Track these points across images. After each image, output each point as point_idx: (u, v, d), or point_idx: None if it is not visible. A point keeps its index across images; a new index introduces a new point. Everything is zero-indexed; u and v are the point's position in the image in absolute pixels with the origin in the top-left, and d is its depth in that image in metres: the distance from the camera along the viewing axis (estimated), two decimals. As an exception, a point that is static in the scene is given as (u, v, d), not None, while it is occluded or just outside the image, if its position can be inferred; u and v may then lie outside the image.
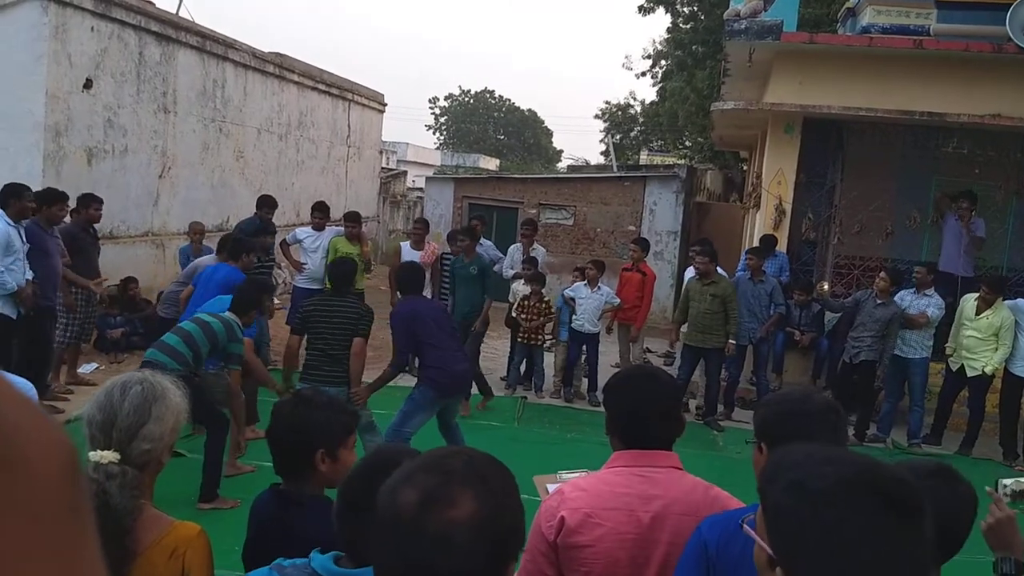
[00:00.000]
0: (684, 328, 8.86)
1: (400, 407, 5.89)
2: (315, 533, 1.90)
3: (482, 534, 1.13)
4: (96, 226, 8.66)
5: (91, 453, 1.93)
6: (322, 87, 16.27)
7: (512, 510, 1.19)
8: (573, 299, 9.29)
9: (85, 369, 8.56)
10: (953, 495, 1.95)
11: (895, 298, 8.49)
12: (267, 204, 9.40)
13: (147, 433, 2.01)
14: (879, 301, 8.37)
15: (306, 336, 5.93)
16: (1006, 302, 8.30)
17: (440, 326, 5.95)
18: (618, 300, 9.42)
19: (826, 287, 9.54)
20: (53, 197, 7.20)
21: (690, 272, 9.55)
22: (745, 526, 1.28)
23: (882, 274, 8.58)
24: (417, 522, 1.12)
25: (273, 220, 9.54)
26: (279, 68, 14.54)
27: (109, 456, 1.92)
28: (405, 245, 9.72)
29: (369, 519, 1.22)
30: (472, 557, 1.12)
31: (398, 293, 6.83)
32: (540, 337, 9.39)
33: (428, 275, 9.52)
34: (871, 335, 8.35)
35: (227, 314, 5.75)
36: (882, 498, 1.09)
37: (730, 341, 8.52)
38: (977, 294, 8.33)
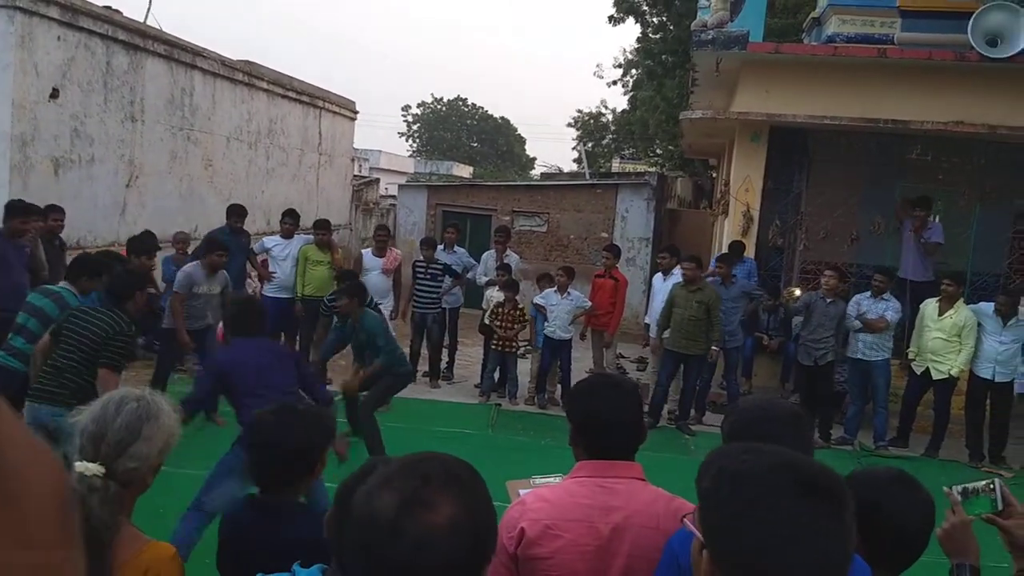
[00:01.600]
0: (666, 333, 8.88)
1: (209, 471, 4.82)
2: (301, 541, 1.91)
3: (461, 536, 1.14)
4: (62, 236, 8.58)
5: (78, 463, 1.91)
6: (292, 95, 16.20)
7: (487, 511, 1.21)
8: (544, 306, 9.33)
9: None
10: (913, 502, 1.99)
11: (852, 302, 8.62)
12: (236, 213, 9.36)
13: (135, 452, 2.00)
14: (829, 300, 8.51)
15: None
16: (970, 306, 8.46)
17: (265, 375, 4.70)
18: (589, 303, 9.48)
19: (797, 292, 9.65)
20: (17, 210, 7.13)
21: (658, 277, 9.63)
22: (685, 520, 1.32)
23: (828, 272, 8.71)
24: (396, 526, 1.13)
25: (244, 228, 9.50)
26: (248, 76, 14.46)
27: (94, 469, 1.91)
28: (367, 252, 9.71)
29: None
30: (453, 559, 1.13)
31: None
32: (514, 344, 9.42)
33: (390, 283, 9.55)
34: (831, 335, 8.49)
35: (57, 287, 5.57)
36: (799, 481, 1.13)
37: (713, 348, 8.58)
38: (937, 298, 8.47)
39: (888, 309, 8.50)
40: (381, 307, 9.26)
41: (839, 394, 9.13)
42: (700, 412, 9.13)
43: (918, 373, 8.54)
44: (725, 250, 9.99)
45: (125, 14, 11.31)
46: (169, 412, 2.13)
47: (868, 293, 8.68)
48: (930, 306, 8.50)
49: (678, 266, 9.09)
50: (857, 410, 8.69)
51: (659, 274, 9.66)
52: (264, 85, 15.02)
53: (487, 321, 9.45)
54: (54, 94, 9.73)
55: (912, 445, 8.63)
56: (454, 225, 11.04)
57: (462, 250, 10.47)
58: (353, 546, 1.18)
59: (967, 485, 2.14)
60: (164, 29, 12.39)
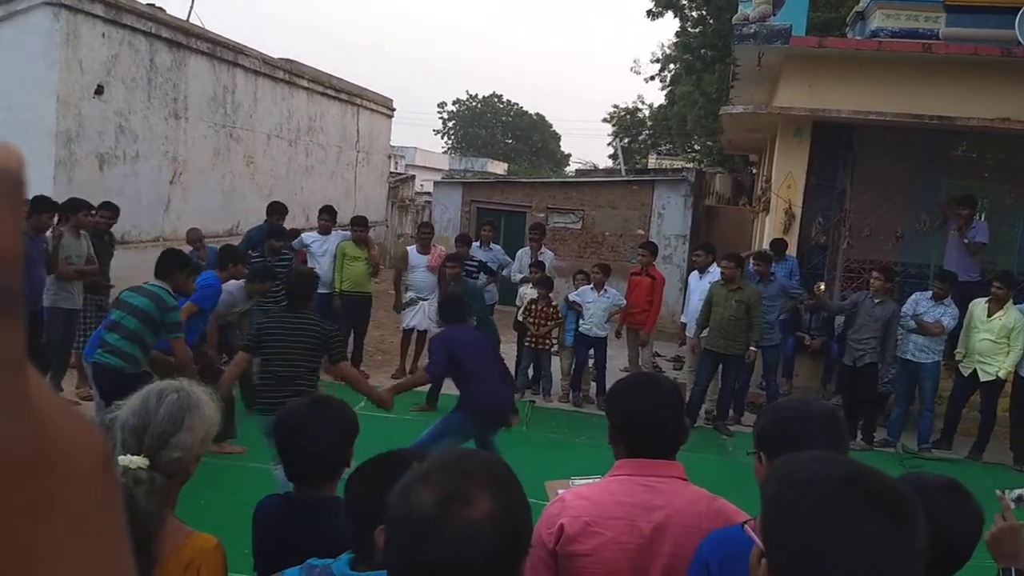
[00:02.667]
0: (704, 332, 8.80)
1: (433, 425, 5.77)
2: (336, 536, 1.92)
3: (499, 532, 1.14)
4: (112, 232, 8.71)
5: (121, 457, 1.93)
6: (331, 92, 16.33)
7: (523, 508, 1.22)
8: (579, 303, 9.30)
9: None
10: (962, 512, 1.95)
11: (910, 301, 8.47)
12: (277, 211, 9.43)
13: (178, 442, 2.02)
14: (877, 301, 8.35)
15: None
16: (1018, 306, 8.27)
17: (484, 355, 5.84)
18: (624, 301, 9.44)
19: (822, 287, 9.50)
20: (43, 206, 7.22)
21: (694, 275, 9.55)
22: (746, 527, 1.30)
23: (875, 273, 8.56)
24: (437, 522, 1.13)
25: (284, 225, 9.58)
26: (289, 74, 14.60)
27: (138, 462, 1.93)
28: (412, 249, 9.76)
29: (378, 519, 1.24)
30: (491, 555, 1.14)
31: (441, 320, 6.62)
32: (548, 341, 9.39)
33: (435, 280, 9.58)
34: (873, 336, 8.33)
35: (150, 285, 5.56)
36: (865, 493, 1.11)
37: (751, 348, 8.48)
38: (986, 298, 8.29)
39: (946, 315, 8.30)
40: (426, 303, 9.32)
41: (882, 396, 8.97)
42: (739, 412, 9.03)
43: (965, 375, 8.38)
44: (766, 248, 9.87)
45: (168, 12, 11.48)
46: (208, 402, 2.15)
47: (928, 293, 8.50)
48: (979, 307, 8.32)
49: (714, 264, 9.01)
50: (901, 412, 8.53)
51: (695, 272, 9.57)
52: (304, 83, 15.16)
53: (520, 318, 9.44)
54: (99, 91, 9.89)
55: (956, 447, 8.47)
56: (489, 222, 11.04)
57: (498, 247, 10.48)
58: (391, 542, 1.19)
59: (1022, 492, 2.09)
60: (206, 27, 12.55)
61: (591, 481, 2.54)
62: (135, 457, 1.94)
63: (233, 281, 7.08)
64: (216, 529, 2.21)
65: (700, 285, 9.13)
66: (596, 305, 9.24)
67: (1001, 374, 8.11)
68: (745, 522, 1.34)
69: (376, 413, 5.82)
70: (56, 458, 0.34)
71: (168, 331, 5.47)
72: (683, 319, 9.93)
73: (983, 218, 9.59)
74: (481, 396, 5.64)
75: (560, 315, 9.36)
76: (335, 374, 5.42)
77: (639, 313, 9.51)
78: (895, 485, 1.15)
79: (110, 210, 8.47)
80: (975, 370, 8.27)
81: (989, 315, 8.19)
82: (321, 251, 9.49)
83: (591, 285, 9.39)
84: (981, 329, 8.21)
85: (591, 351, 9.34)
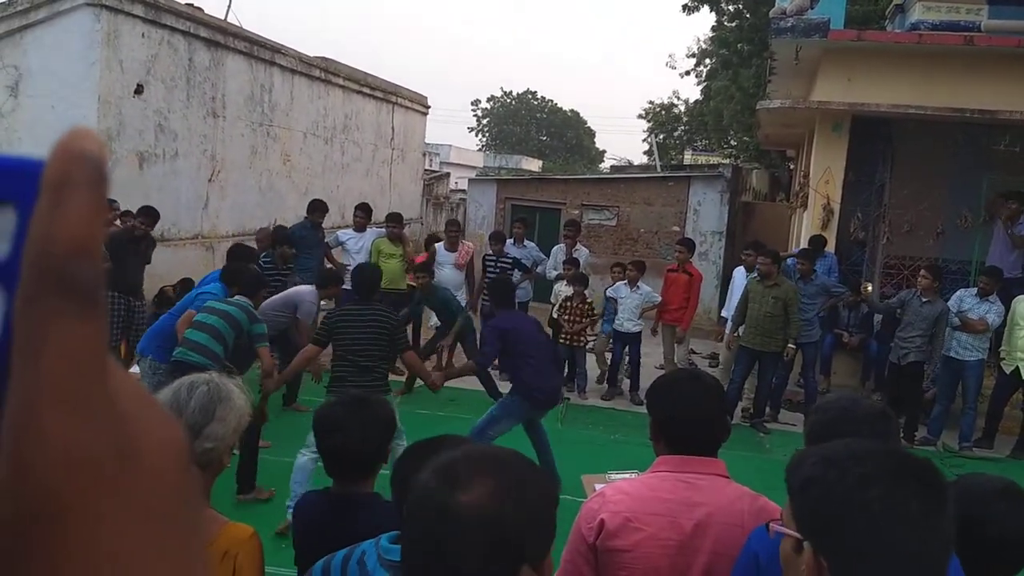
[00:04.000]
0: (741, 329, 8.73)
1: (489, 410, 6.08)
2: (377, 531, 1.93)
3: (490, 523, 1.13)
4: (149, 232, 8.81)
5: None
6: (366, 90, 16.43)
7: (534, 506, 1.18)
8: (614, 299, 9.31)
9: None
10: (1018, 516, 1.91)
11: (955, 298, 8.33)
12: (318, 209, 9.49)
13: (210, 432, 2.06)
14: (925, 299, 8.21)
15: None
16: None
17: (535, 340, 6.07)
18: (658, 298, 9.44)
19: (870, 288, 9.38)
20: None
21: (740, 271, 9.47)
22: (772, 525, 1.28)
23: (923, 272, 8.41)
24: (427, 500, 1.16)
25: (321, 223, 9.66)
26: (325, 72, 14.72)
27: None
28: (439, 246, 9.76)
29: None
30: (474, 546, 1.12)
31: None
32: (582, 338, 9.38)
33: (463, 277, 9.59)
34: (919, 335, 8.19)
35: (238, 299, 5.77)
36: (905, 467, 1.13)
37: (789, 345, 8.39)
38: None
39: (991, 312, 8.15)
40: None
41: (923, 392, 8.84)
42: (775, 410, 8.94)
43: (1007, 372, 8.22)
44: (803, 244, 9.76)
45: (206, 12, 11.62)
46: (239, 393, 2.18)
47: (973, 290, 8.35)
48: (1022, 304, 8.16)
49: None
50: (942, 410, 8.39)
51: (741, 268, 9.50)
52: (340, 81, 15.26)
53: (555, 315, 9.43)
54: (138, 90, 10.05)
55: (997, 446, 8.31)
56: (521, 219, 11.03)
57: (532, 244, 10.47)
58: (405, 520, 1.22)
59: None
60: (244, 26, 12.69)
61: (628, 476, 2.53)
62: None
63: (307, 288, 7.26)
64: (251, 522, 2.24)
65: (745, 282, 9.07)
66: (630, 301, 9.23)
67: (1045, 372, 7.95)
68: (770, 522, 1.32)
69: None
70: (136, 457, 0.33)
71: (255, 340, 5.70)
72: (724, 313, 9.87)
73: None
74: (533, 380, 5.85)
75: (594, 312, 9.35)
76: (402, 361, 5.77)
77: (676, 310, 9.46)
78: (930, 463, 1.17)
79: (149, 216, 8.53)
80: (1017, 368, 8.11)
81: (1030, 312, 8.03)
82: (356, 248, 9.56)
83: (625, 280, 9.37)
84: (1023, 325, 8.05)
85: (626, 348, 9.33)
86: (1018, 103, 9.05)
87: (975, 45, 9.08)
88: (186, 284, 9.95)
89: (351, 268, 9.45)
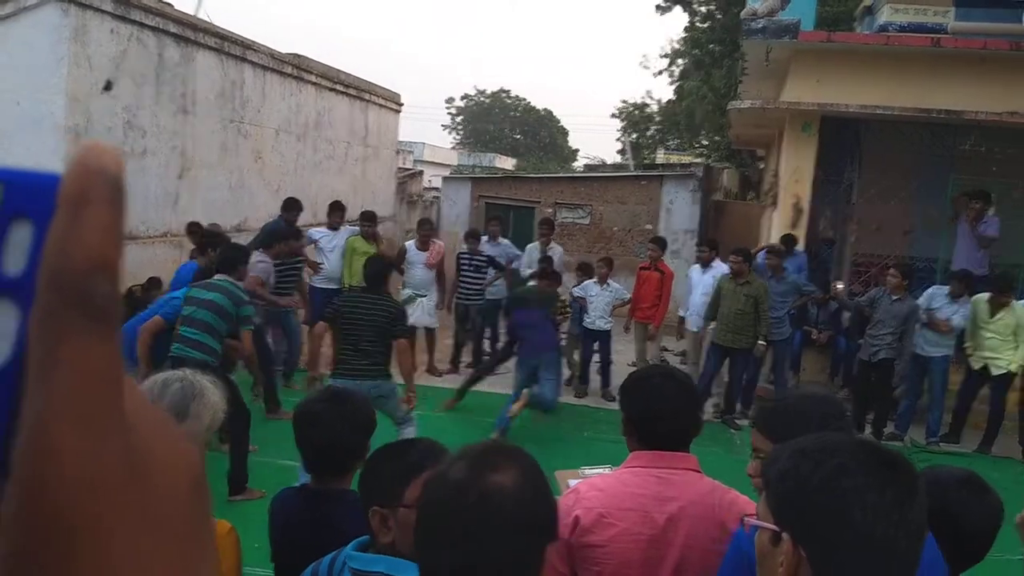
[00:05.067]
0: (712, 326, 8.82)
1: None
2: (354, 529, 1.94)
3: (523, 501, 1.18)
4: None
5: None
6: (340, 88, 16.34)
7: (548, 494, 1.27)
8: (583, 298, 9.34)
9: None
10: (980, 505, 1.95)
11: (926, 295, 8.46)
12: (293, 207, 9.43)
13: (185, 430, 2.05)
14: (895, 298, 8.33)
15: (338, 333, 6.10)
16: (1021, 302, 8.25)
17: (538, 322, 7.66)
18: (628, 295, 9.50)
19: (839, 286, 9.50)
20: None
21: (695, 269, 9.56)
22: (746, 519, 1.31)
23: (892, 271, 8.53)
24: (464, 485, 1.19)
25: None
26: (297, 69, 14.62)
27: None
28: (410, 245, 9.71)
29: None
30: (513, 526, 1.17)
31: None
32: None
33: (434, 276, 9.55)
34: (889, 332, 8.31)
35: (219, 280, 5.74)
36: (877, 458, 1.15)
37: (760, 342, 8.48)
38: (988, 296, 8.28)
39: (958, 314, 8.28)
40: (424, 300, 9.33)
41: (892, 388, 8.97)
42: (746, 406, 9.03)
43: (975, 369, 8.36)
44: (776, 243, 9.86)
45: (176, 7, 11.50)
46: (213, 389, 2.17)
47: (946, 289, 8.47)
48: (981, 305, 8.29)
49: (717, 259, 9.03)
50: (909, 405, 8.53)
51: (696, 266, 9.58)
52: (312, 78, 15.17)
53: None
54: (107, 86, 9.93)
55: (964, 441, 8.45)
56: (496, 217, 11.04)
57: (506, 242, 10.48)
58: (422, 521, 1.23)
59: None
60: (214, 22, 12.58)
61: (602, 471, 2.55)
62: None
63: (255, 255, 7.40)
64: (231, 522, 2.23)
65: (703, 280, 9.16)
66: (600, 299, 9.28)
67: (1013, 367, 8.09)
68: (745, 516, 1.35)
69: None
70: (149, 477, 0.33)
71: (241, 323, 5.70)
72: (681, 313, 9.94)
73: (992, 212, 9.56)
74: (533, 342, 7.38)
75: (567, 309, 9.38)
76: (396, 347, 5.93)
77: (648, 308, 9.52)
78: (900, 454, 1.20)
79: None
80: (985, 365, 8.26)
81: (992, 315, 8.18)
82: (330, 247, 9.52)
83: (595, 279, 9.41)
84: (987, 328, 8.21)
85: (596, 344, 9.38)
86: (983, 104, 9.20)
87: (942, 47, 9.22)
88: (153, 283, 9.86)
89: (323, 266, 9.46)
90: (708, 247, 9.51)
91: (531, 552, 1.19)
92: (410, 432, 5.78)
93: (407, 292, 9.42)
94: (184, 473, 0.35)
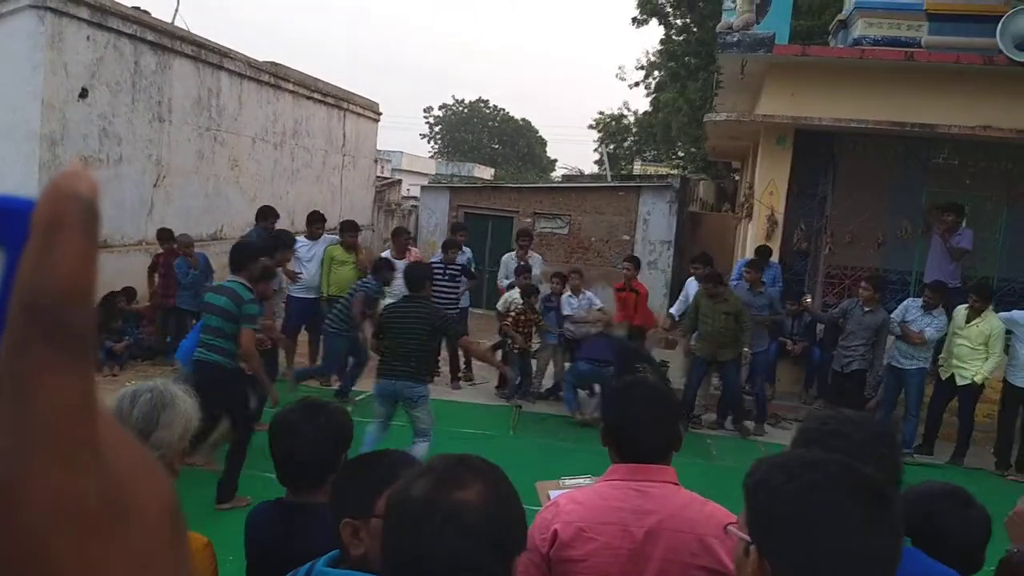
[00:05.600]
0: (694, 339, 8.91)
1: None
2: (328, 543, 1.93)
3: (490, 516, 1.16)
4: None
5: None
6: (317, 96, 16.29)
7: (516, 505, 1.24)
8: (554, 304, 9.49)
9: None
10: (966, 519, 1.97)
11: (901, 307, 8.56)
12: (270, 215, 9.38)
13: (156, 440, 2.04)
14: (867, 309, 8.44)
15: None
16: (1001, 314, 8.35)
17: None
18: (599, 303, 9.61)
19: (809, 300, 9.60)
20: None
21: (691, 282, 9.61)
22: (730, 527, 1.32)
23: (864, 283, 8.66)
24: (430, 503, 1.17)
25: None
26: (274, 77, 14.56)
27: None
28: (387, 255, 9.68)
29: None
30: (479, 541, 1.15)
31: None
32: (530, 345, 9.43)
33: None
34: (861, 343, 8.42)
35: (227, 281, 5.85)
36: (858, 478, 1.14)
37: (745, 349, 8.55)
38: (967, 305, 8.38)
39: (932, 325, 8.37)
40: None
41: (865, 399, 9.05)
42: (723, 417, 9.08)
43: (943, 379, 8.46)
44: (748, 254, 9.94)
45: (153, 15, 11.44)
46: (184, 398, 2.16)
47: (920, 301, 8.57)
48: (959, 313, 8.41)
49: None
50: (884, 416, 8.60)
51: (692, 279, 9.63)
52: (290, 86, 15.12)
53: (509, 323, 9.43)
54: (83, 94, 9.84)
55: (937, 453, 8.54)
56: (463, 227, 11.21)
57: (468, 250, 10.48)
58: (388, 535, 1.21)
59: None
60: (191, 30, 12.51)
61: (582, 481, 2.55)
62: None
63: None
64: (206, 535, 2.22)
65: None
66: (577, 310, 9.37)
67: (977, 379, 8.17)
68: (728, 524, 1.36)
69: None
70: (124, 509, 0.33)
71: (243, 321, 5.74)
72: (672, 311, 10.03)
73: (965, 225, 9.69)
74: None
75: (540, 320, 9.38)
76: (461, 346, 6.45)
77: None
78: (880, 479, 1.19)
79: None
80: (952, 375, 8.35)
81: (967, 321, 8.27)
82: (308, 256, 9.45)
83: (568, 292, 9.47)
84: (959, 335, 8.30)
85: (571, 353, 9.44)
86: (956, 117, 9.33)
87: (915, 61, 9.35)
88: (128, 292, 9.78)
89: (302, 276, 9.40)
90: (702, 264, 9.35)
91: (500, 565, 1.19)
92: (422, 446, 5.92)
93: (387, 301, 9.37)
94: (160, 508, 0.35)
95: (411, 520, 1.17)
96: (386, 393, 6.09)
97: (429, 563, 1.15)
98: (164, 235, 9.89)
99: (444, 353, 9.90)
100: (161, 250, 9.96)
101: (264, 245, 6.88)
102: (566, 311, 9.40)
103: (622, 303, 9.66)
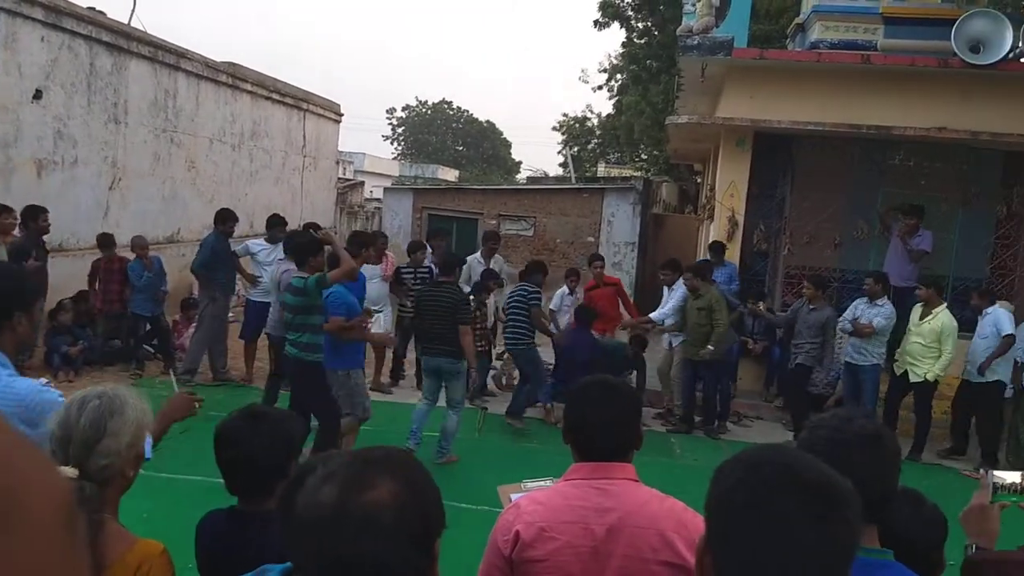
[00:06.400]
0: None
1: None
2: (278, 550, 1.90)
3: (405, 514, 1.13)
4: (45, 238, 8.52)
5: None
6: (276, 96, 16.15)
7: (430, 488, 1.20)
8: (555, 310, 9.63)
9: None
10: (917, 517, 1.98)
11: (851, 306, 8.70)
12: (229, 219, 9.23)
13: (103, 448, 2.00)
14: (811, 308, 8.61)
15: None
16: (987, 310, 8.44)
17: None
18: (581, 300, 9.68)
19: (761, 305, 9.71)
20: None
21: (665, 290, 9.72)
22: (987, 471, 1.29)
23: (805, 283, 8.91)
24: (340, 509, 1.11)
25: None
26: (232, 78, 14.41)
27: (67, 471, 1.92)
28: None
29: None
30: (398, 539, 1.11)
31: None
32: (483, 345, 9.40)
33: (387, 289, 9.46)
34: (807, 341, 8.63)
35: (293, 279, 6.16)
36: (796, 479, 1.12)
37: (708, 347, 8.57)
38: (922, 303, 8.53)
39: (879, 315, 8.50)
40: (381, 315, 9.19)
41: (821, 397, 9.18)
42: (709, 420, 9.07)
43: (897, 374, 8.59)
44: (705, 257, 10.05)
45: (109, 16, 11.26)
46: (135, 405, 2.11)
47: (864, 298, 8.71)
48: (915, 311, 8.57)
49: (680, 280, 9.06)
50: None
51: (664, 288, 9.70)
52: (248, 87, 14.97)
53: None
54: (37, 95, 9.66)
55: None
56: (441, 231, 11.13)
57: (500, 257, 10.52)
58: (301, 547, 1.15)
59: (1007, 479, 2.13)
60: (148, 31, 12.34)
61: (543, 483, 2.54)
62: (64, 468, 1.93)
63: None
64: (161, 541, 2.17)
65: (674, 295, 9.20)
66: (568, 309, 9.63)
67: (929, 376, 8.29)
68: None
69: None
70: (16, 514, 0.32)
71: (320, 311, 6.12)
72: (654, 315, 10.07)
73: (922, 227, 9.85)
74: None
75: (487, 321, 9.35)
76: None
77: (611, 320, 9.66)
78: (831, 478, 1.14)
79: (47, 212, 8.44)
80: (906, 371, 8.49)
81: (921, 318, 8.42)
82: (268, 259, 9.31)
83: (567, 290, 9.75)
84: (913, 331, 8.44)
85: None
86: (912, 119, 9.49)
87: (871, 64, 9.49)
88: (82, 296, 9.58)
89: (261, 280, 9.28)
90: (671, 270, 9.36)
91: (420, 553, 1.15)
92: (453, 419, 6.96)
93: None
94: (55, 511, 0.34)
95: (323, 530, 1.11)
96: (430, 368, 7.06)
97: (347, 567, 1.11)
98: (105, 240, 9.47)
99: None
100: (100, 256, 9.58)
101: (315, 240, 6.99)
102: (566, 307, 9.56)
103: (599, 298, 9.64)
